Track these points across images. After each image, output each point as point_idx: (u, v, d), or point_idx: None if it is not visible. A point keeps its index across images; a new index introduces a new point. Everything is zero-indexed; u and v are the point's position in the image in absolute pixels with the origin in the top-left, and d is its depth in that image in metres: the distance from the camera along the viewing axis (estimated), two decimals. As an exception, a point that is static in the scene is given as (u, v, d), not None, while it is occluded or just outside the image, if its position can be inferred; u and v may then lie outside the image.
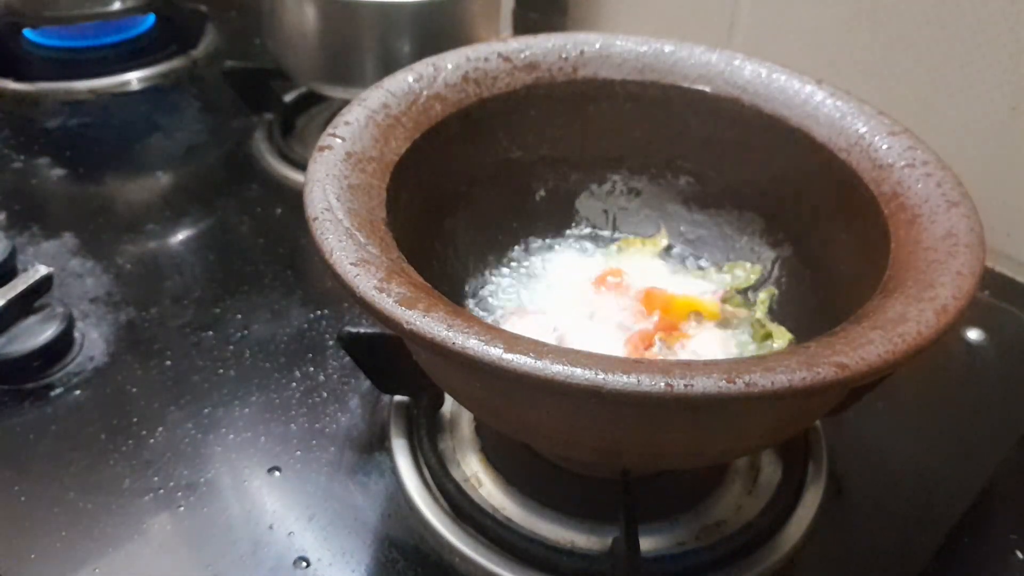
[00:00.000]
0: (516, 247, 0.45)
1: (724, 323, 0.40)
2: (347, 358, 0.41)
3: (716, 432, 0.30)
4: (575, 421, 0.29)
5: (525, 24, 0.78)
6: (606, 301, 0.41)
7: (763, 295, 0.41)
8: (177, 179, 0.63)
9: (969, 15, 0.51)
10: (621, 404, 0.26)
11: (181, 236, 0.57)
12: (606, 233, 0.46)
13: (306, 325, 0.49)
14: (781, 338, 0.39)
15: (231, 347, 0.47)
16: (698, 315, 0.40)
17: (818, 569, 0.37)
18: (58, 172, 0.63)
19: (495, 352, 0.25)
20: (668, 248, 0.45)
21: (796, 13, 0.59)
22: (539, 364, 0.24)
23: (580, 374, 0.24)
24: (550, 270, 0.44)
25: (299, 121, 0.69)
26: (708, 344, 0.39)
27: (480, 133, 0.41)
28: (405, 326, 0.26)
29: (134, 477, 0.40)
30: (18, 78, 0.73)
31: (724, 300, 0.41)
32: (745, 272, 0.42)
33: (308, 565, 0.36)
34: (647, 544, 0.36)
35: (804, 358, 0.25)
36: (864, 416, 0.43)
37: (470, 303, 0.42)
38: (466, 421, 0.43)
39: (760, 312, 0.41)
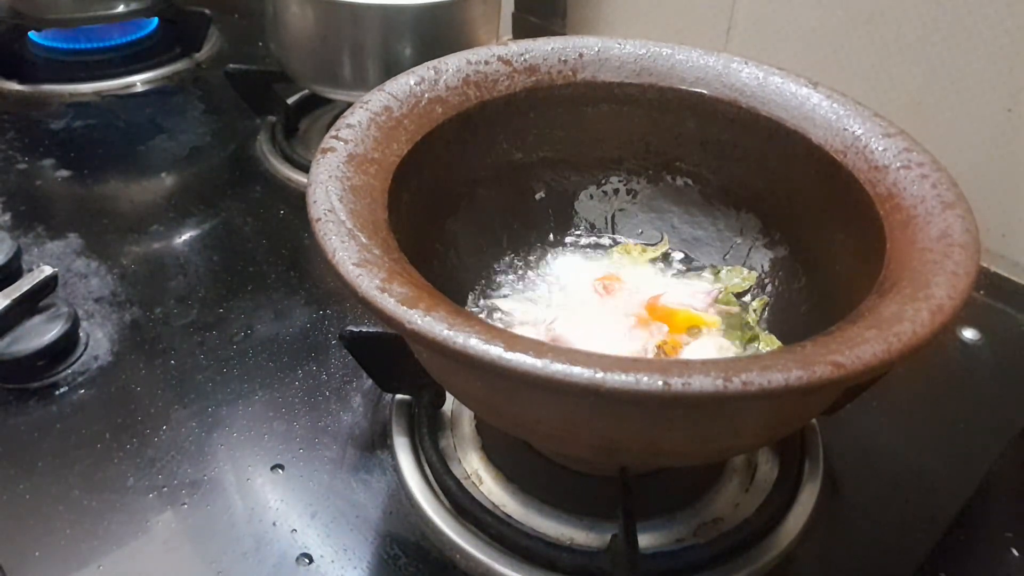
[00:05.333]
0: (516, 248, 0.45)
1: (719, 330, 0.41)
2: (349, 357, 0.42)
3: (713, 430, 0.30)
4: (574, 419, 0.30)
5: (524, 28, 0.78)
6: (606, 306, 0.42)
7: (756, 304, 0.42)
8: (181, 180, 0.63)
9: (964, 17, 0.51)
10: (619, 402, 0.26)
11: (185, 237, 0.57)
12: (606, 234, 0.46)
13: (309, 325, 0.49)
14: (769, 344, 0.40)
15: (235, 346, 0.48)
16: (696, 329, 0.41)
17: (815, 566, 0.38)
18: (63, 173, 0.63)
19: (495, 351, 0.25)
20: (667, 252, 0.45)
21: (793, 16, 0.60)
22: (538, 363, 0.25)
23: (579, 373, 0.24)
24: (551, 272, 0.45)
25: (302, 123, 0.70)
26: (703, 347, 0.39)
27: (480, 135, 0.42)
28: (407, 326, 0.26)
29: (138, 475, 0.40)
30: (23, 80, 0.73)
31: (717, 300, 0.41)
32: (741, 277, 0.43)
33: (311, 562, 0.37)
34: (645, 541, 0.37)
35: (800, 357, 0.25)
36: (860, 414, 0.44)
37: (470, 303, 0.43)
38: (467, 419, 0.43)
39: (751, 319, 0.41)
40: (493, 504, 0.39)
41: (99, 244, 0.55)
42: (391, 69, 0.41)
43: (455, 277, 0.42)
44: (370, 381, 0.43)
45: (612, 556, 0.35)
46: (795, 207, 0.40)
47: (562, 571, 0.36)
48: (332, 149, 0.34)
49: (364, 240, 0.30)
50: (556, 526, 0.38)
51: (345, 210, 0.31)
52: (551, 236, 0.46)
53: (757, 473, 0.41)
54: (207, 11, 0.81)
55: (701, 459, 0.36)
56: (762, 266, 0.43)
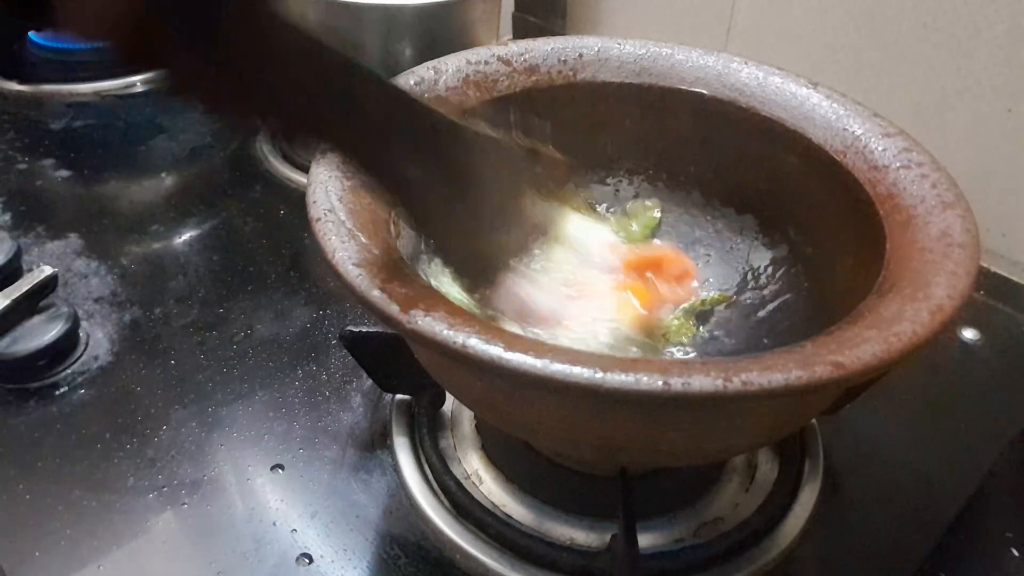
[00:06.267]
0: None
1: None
2: (349, 357, 0.42)
3: (713, 430, 0.30)
4: (574, 419, 0.30)
5: (524, 28, 0.78)
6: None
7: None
8: (181, 180, 0.63)
9: (964, 16, 0.51)
10: (619, 402, 0.26)
11: (185, 237, 0.57)
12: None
13: (309, 325, 0.49)
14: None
15: (235, 346, 0.48)
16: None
17: (814, 566, 0.38)
18: (63, 173, 0.63)
19: (495, 351, 0.25)
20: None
21: (793, 16, 0.60)
22: (538, 363, 0.25)
23: (579, 373, 0.24)
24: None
25: (301, 123, 0.70)
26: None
27: (480, 135, 0.42)
28: (407, 326, 0.26)
29: (138, 475, 0.40)
30: (23, 80, 0.73)
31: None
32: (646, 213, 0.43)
33: (311, 562, 0.37)
34: (645, 541, 0.37)
35: (801, 357, 0.25)
36: (860, 414, 0.44)
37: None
38: (467, 419, 0.43)
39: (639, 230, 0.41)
40: (493, 504, 0.39)
41: (99, 244, 0.55)
42: (391, 69, 0.41)
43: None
44: (370, 381, 0.43)
45: (612, 556, 0.35)
46: (795, 207, 0.40)
47: (562, 571, 0.36)
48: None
49: (364, 240, 0.30)
50: (556, 526, 0.38)
51: (345, 210, 0.31)
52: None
53: (757, 473, 0.41)
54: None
55: (701, 459, 0.36)
56: (762, 266, 0.43)
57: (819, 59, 0.59)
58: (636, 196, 0.46)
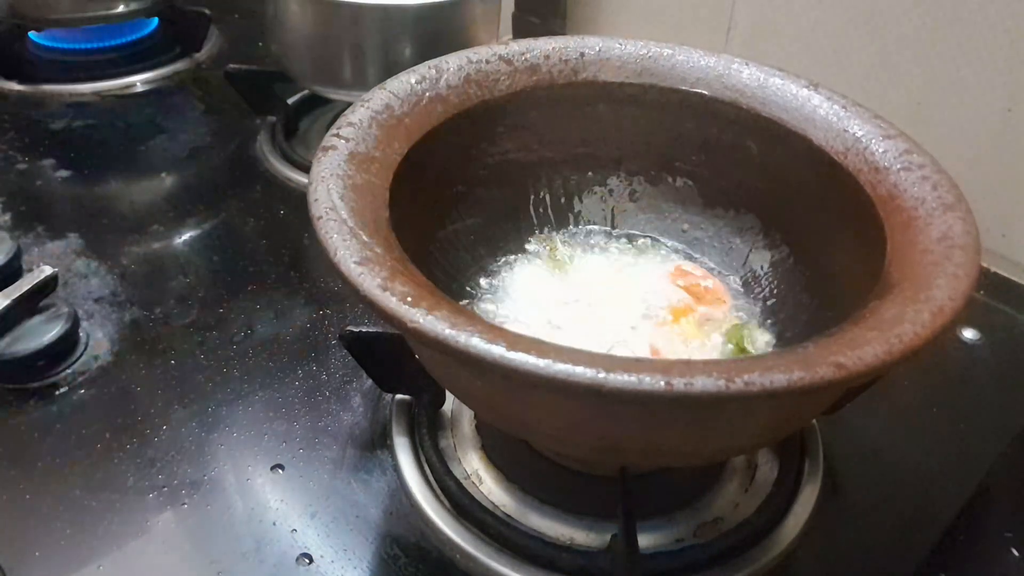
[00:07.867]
0: (515, 248, 0.45)
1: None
2: (349, 357, 0.42)
3: (714, 430, 0.30)
4: (575, 419, 0.30)
5: (525, 28, 0.78)
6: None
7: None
8: (181, 180, 0.63)
9: (964, 17, 0.51)
10: (621, 403, 0.26)
11: (185, 237, 0.57)
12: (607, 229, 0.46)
13: (309, 325, 0.49)
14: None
15: (235, 346, 0.48)
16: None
17: (814, 566, 0.38)
18: (63, 173, 0.63)
19: (497, 350, 0.25)
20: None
21: (793, 16, 0.60)
22: (541, 363, 0.25)
23: (581, 373, 0.24)
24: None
25: (302, 123, 0.70)
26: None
27: (481, 135, 0.42)
28: (409, 324, 0.26)
29: (138, 475, 0.40)
30: (23, 80, 0.73)
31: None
32: None
33: (311, 562, 0.37)
34: (645, 541, 0.37)
35: (802, 358, 0.25)
36: (860, 414, 0.44)
37: (470, 301, 0.43)
38: (467, 419, 0.43)
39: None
40: (493, 504, 0.39)
41: (99, 244, 0.55)
42: (391, 69, 0.41)
43: (455, 276, 0.42)
44: (370, 381, 0.43)
45: (612, 556, 0.35)
46: (795, 208, 0.40)
47: (562, 571, 0.36)
48: (333, 147, 0.34)
49: (365, 239, 0.30)
50: (556, 526, 0.38)
51: (346, 208, 0.31)
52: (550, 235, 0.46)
53: (757, 473, 0.41)
54: (207, 11, 0.81)
55: (702, 459, 0.37)
56: (762, 267, 0.43)
57: (819, 60, 0.59)
58: (636, 196, 0.46)
